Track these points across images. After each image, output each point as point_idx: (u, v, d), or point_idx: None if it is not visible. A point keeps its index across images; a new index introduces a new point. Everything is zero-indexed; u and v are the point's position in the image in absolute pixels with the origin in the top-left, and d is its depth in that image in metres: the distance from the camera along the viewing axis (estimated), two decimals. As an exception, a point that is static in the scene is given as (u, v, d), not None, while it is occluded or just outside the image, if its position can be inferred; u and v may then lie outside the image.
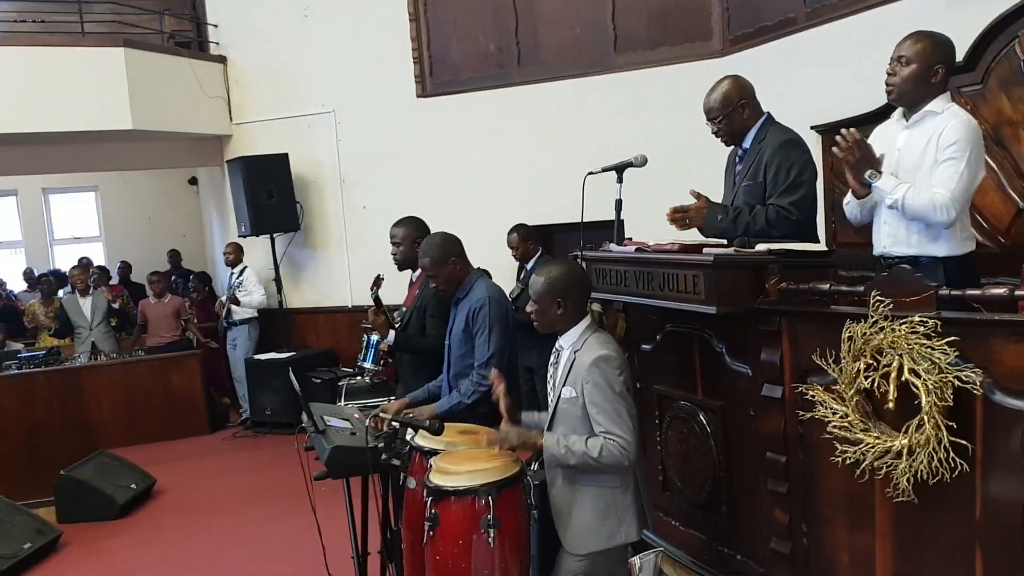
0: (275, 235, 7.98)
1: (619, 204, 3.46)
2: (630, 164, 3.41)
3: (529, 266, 5.97)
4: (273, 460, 6.86)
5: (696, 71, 6.45)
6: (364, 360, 6.33)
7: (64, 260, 11.47)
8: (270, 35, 8.20)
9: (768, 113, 3.42)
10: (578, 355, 2.71)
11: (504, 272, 5.93)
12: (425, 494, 2.77)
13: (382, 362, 6.27)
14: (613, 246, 3.33)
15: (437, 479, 2.65)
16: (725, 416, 3.00)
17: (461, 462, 2.70)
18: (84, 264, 10.37)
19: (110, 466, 6.04)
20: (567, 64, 7.07)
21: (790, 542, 2.74)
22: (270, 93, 8.25)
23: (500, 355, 3.47)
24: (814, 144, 5.13)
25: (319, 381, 7.33)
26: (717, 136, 3.44)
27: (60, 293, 10.02)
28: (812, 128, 5.17)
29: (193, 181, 11.34)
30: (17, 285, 10.93)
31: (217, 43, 8.44)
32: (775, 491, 2.76)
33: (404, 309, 4.35)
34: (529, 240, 6.00)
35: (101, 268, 10.51)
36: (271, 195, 7.74)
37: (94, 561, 5.00)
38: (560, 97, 7.05)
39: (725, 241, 3.13)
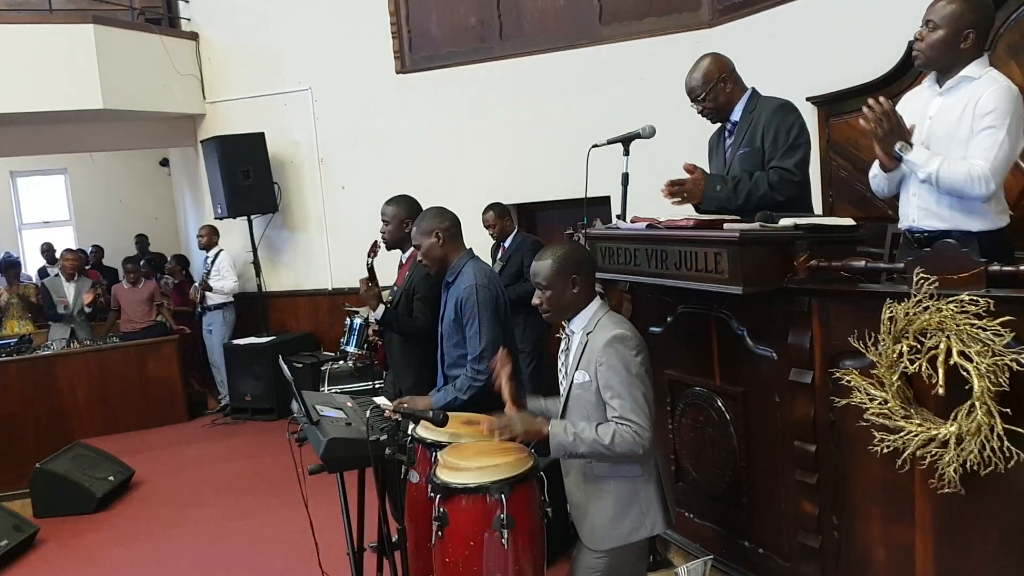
0: (252, 217, 7.71)
1: (626, 178, 3.30)
2: (637, 135, 3.25)
3: (507, 244, 5.81)
4: (255, 448, 6.65)
5: (684, 43, 6.26)
6: (347, 344, 6.16)
7: (33, 245, 11.09)
8: (243, 10, 7.87)
9: (753, 88, 3.36)
10: (591, 337, 2.54)
11: (483, 253, 5.75)
12: (431, 491, 2.59)
13: (366, 344, 6.10)
14: (621, 223, 3.14)
15: (445, 475, 2.46)
16: (746, 402, 2.84)
17: (470, 456, 2.51)
18: (47, 248, 10.10)
19: (87, 458, 5.80)
20: (551, 36, 6.83)
21: (819, 535, 2.59)
22: (244, 70, 7.94)
23: (493, 346, 3.26)
24: (810, 116, 4.98)
25: (301, 366, 7.12)
26: (703, 115, 3.38)
27: (32, 277, 9.75)
28: (808, 100, 5.02)
29: (164, 163, 11.01)
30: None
31: (189, 19, 8.11)
32: (803, 482, 2.61)
33: (395, 289, 4.15)
34: (506, 217, 5.83)
35: (83, 252, 10.18)
36: (247, 175, 7.46)
37: (73, 558, 4.78)
38: (544, 71, 6.81)
39: (738, 217, 2.96)
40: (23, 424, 6.77)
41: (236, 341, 7.55)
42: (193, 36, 8.02)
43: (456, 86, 7.10)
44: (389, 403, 3.73)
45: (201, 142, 7.81)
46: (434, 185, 6.69)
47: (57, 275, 7.89)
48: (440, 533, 2.42)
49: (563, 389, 2.67)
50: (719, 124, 3.47)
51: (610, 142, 3.31)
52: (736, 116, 3.32)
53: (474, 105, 7.05)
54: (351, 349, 6.09)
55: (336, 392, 5.90)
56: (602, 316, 2.57)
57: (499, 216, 5.80)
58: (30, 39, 6.84)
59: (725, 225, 2.64)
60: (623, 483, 2.51)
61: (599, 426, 2.43)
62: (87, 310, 7.80)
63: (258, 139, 7.57)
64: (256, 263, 7.76)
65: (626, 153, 3.29)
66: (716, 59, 3.34)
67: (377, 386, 6.19)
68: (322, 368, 6.93)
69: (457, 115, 7.12)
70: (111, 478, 5.71)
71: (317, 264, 7.91)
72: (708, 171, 3.44)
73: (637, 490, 2.52)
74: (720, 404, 2.95)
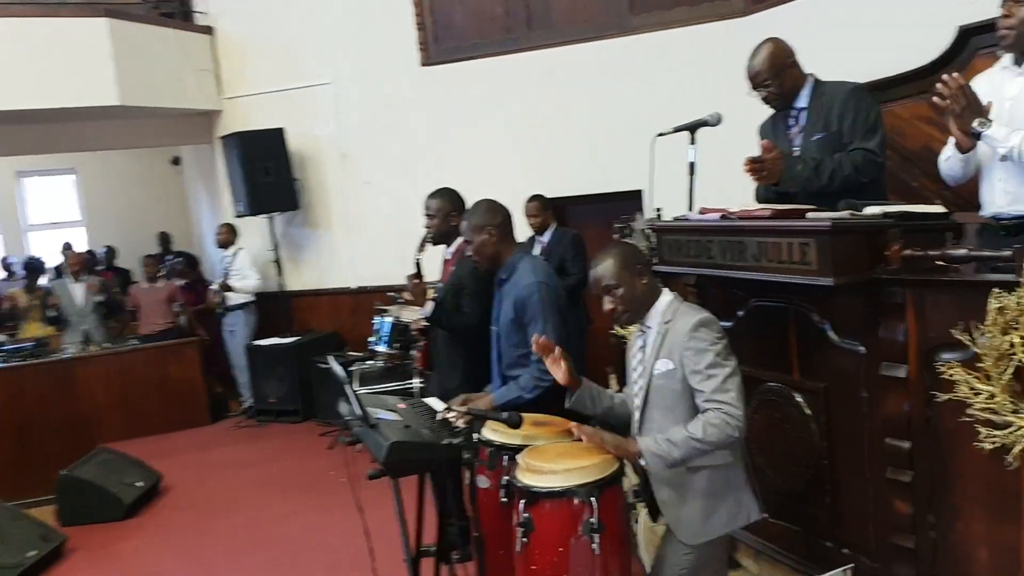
0: (273, 214, 7.58)
1: (692, 167, 3.16)
2: (704, 123, 3.13)
3: (544, 238, 5.65)
4: (281, 450, 6.54)
5: (717, 32, 6.15)
6: (377, 344, 6.02)
7: (41, 246, 10.95)
8: (260, 3, 7.75)
9: (813, 74, 3.25)
10: (670, 325, 2.47)
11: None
12: (504, 495, 2.49)
13: (398, 343, 5.95)
14: (691, 214, 3.02)
15: (528, 479, 2.35)
16: (828, 398, 2.72)
17: (553, 458, 2.39)
18: (68, 247, 9.95)
19: (113, 463, 5.69)
20: (580, 27, 6.69)
21: (914, 535, 2.47)
22: (262, 65, 7.81)
23: (560, 344, 3.17)
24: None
25: (326, 367, 6.98)
26: (766, 101, 3.22)
27: (44, 280, 9.60)
28: (851, 90, 4.89)
29: (176, 161, 10.88)
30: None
31: (204, 12, 7.97)
32: (896, 480, 2.48)
33: (439, 285, 4.02)
34: (549, 210, 5.70)
35: (89, 253, 10.06)
36: (268, 172, 7.34)
37: (106, 568, 4.67)
38: (572, 62, 6.68)
39: (814, 206, 2.84)
40: (42, 429, 6.65)
41: (258, 342, 7.43)
42: (208, 30, 7.89)
43: (482, 78, 6.98)
44: (440, 403, 3.63)
45: (221, 138, 7.68)
46: (460, 180, 6.45)
47: (64, 278, 7.76)
48: (525, 539, 2.30)
49: (638, 388, 2.56)
50: (773, 112, 3.34)
51: (676, 130, 3.19)
52: (802, 102, 3.20)
53: (501, 98, 6.92)
54: (381, 349, 5.95)
55: (367, 393, 5.78)
56: (679, 305, 2.52)
57: (543, 208, 5.65)
58: (42, 33, 6.70)
59: (808, 214, 2.53)
60: (715, 472, 2.43)
61: (687, 425, 2.35)
62: (97, 299, 7.64)
63: (278, 135, 7.45)
64: (277, 261, 7.64)
65: (692, 141, 3.16)
66: (781, 44, 3.21)
67: (410, 386, 6.06)
68: (351, 368, 6.81)
69: (483, 108, 6.99)
70: (139, 484, 5.59)
71: (340, 262, 7.79)
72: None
73: (729, 477, 2.45)
74: (799, 400, 2.83)
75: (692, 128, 3.17)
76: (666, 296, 2.53)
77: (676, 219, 3.09)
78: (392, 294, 6.25)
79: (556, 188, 6.70)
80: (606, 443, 2.42)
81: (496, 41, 6.98)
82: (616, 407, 2.72)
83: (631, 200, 6.32)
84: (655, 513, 2.52)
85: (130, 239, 10.67)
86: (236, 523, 5.09)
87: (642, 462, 2.40)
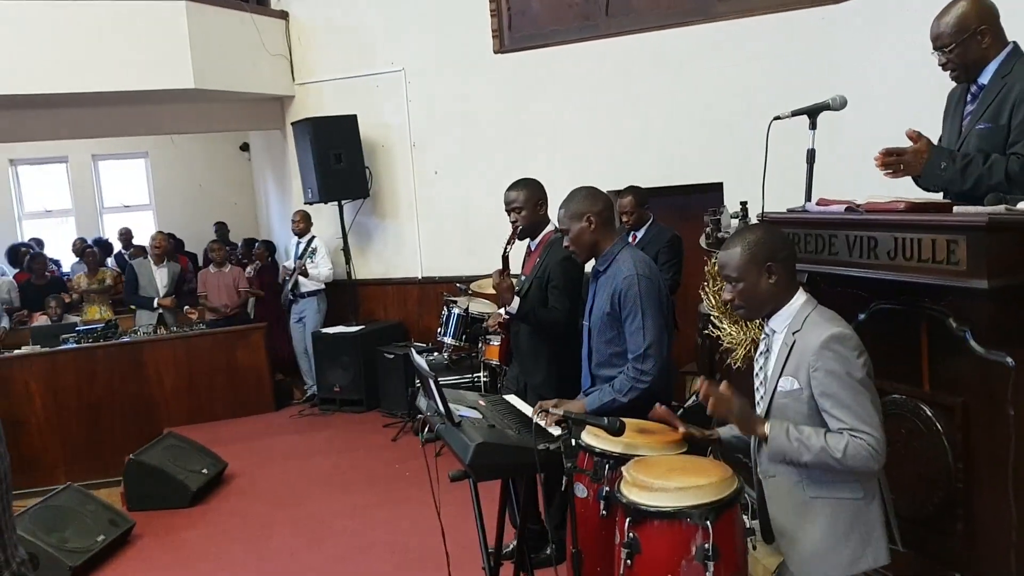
0: (343, 202, 7.48)
1: (811, 155, 2.89)
2: (826, 107, 2.85)
3: (640, 234, 5.36)
4: (347, 442, 6.44)
5: (808, 19, 5.85)
6: (444, 335, 5.86)
7: (113, 229, 11.09)
8: (334, -12, 7.67)
9: (1015, 43, 2.77)
10: (799, 336, 2.20)
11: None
12: (603, 507, 2.27)
13: (464, 335, 5.78)
14: (811, 206, 2.76)
15: (636, 495, 2.13)
16: (966, 415, 2.44)
17: (663, 474, 2.17)
18: (124, 233, 10.08)
19: (180, 449, 5.64)
20: (661, 13, 6.43)
21: (1067, 572, 2.20)
22: (335, 51, 7.72)
23: (659, 343, 2.94)
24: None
25: (392, 356, 6.88)
26: (945, 69, 2.80)
27: (110, 263, 9.71)
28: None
29: (245, 147, 10.90)
30: (67, 255, 10.59)
31: (279, -3, 7.92)
32: (1050, 510, 2.21)
33: (522, 278, 3.83)
34: (645, 205, 5.40)
35: (171, 236, 10.14)
36: (339, 159, 7.24)
37: (171, 556, 4.59)
38: (653, 50, 6.41)
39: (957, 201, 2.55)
40: (110, 411, 6.69)
41: (325, 330, 7.35)
42: (283, 15, 7.82)
43: (558, 66, 6.76)
44: (520, 401, 3.43)
45: (293, 124, 7.60)
46: (532, 171, 6.28)
47: (146, 259, 7.76)
48: (629, 562, 2.09)
49: (760, 396, 2.33)
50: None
51: (795, 113, 2.91)
52: (985, 79, 2.77)
53: (577, 87, 6.70)
54: (448, 340, 5.81)
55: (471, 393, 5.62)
56: (811, 312, 2.24)
57: (638, 203, 5.35)
58: (120, 16, 6.68)
59: (956, 208, 2.26)
60: (841, 505, 2.17)
61: (829, 434, 2.09)
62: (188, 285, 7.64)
63: (350, 121, 7.34)
64: (346, 250, 7.54)
65: (812, 127, 2.89)
66: (977, 3, 2.72)
67: (476, 379, 5.89)
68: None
69: (558, 97, 6.78)
70: (204, 471, 5.53)
71: (407, 252, 7.66)
72: (944, 133, 2.93)
73: (858, 513, 2.18)
74: (929, 415, 2.55)
75: (813, 112, 2.89)
76: (799, 299, 2.26)
77: (791, 211, 2.83)
78: (460, 285, 6.10)
79: (631, 180, 6.46)
80: (732, 409, 2.19)
81: (573, 28, 6.76)
82: None
83: (708, 193, 6.06)
84: (768, 535, 2.29)
85: (196, 224, 10.74)
86: (300, 515, 4.98)
87: (765, 469, 2.17)
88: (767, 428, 2.15)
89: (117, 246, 10.38)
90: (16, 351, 6.69)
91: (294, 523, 4.87)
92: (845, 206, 2.56)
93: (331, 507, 5.06)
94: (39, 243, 10.21)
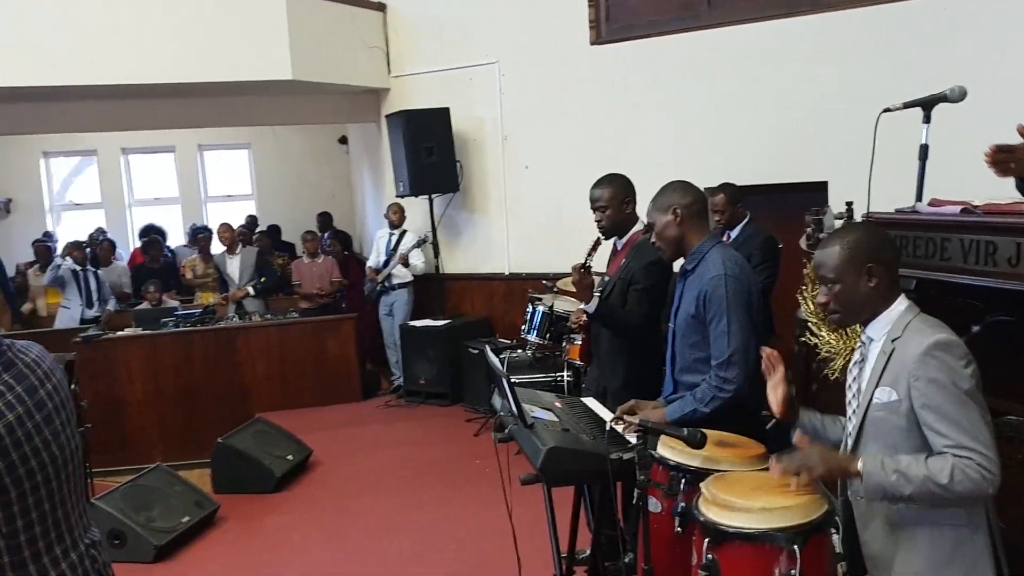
0: (433, 196, 7.47)
1: (924, 151, 2.65)
2: (943, 98, 2.62)
3: (734, 234, 5.13)
4: (429, 434, 6.43)
5: (925, 9, 5.46)
6: (528, 332, 5.77)
7: (217, 218, 11.46)
8: (432, -20, 7.66)
9: None
10: (898, 344, 2.00)
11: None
12: (677, 523, 2.12)
13: (549, 334, 5.67)
14: (922, 206, 2.53)
15: (715, 515, 1.98)
16: (1093, 442, 2.19)
17: (747, 493, 2.01)
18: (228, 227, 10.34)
19: (267, 434, 5.73)
20: (766, 2, 6.14)
21: None
22: (431, 43, 7.70)
23: (745, 351, 2.75)
24: None
25: (476, 352, 6.82)
26: None
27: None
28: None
29: (343, 140, 11.07)
30: (174, 240, 11.01)
31: (376, -11, 7.97)
32: None
33: (606, 278, 3.68)
34: (739, 203, 5.16)
35: (251, 218, 10.41)
36: (431, 152, 7.23)
37: (253, 540, 4.65)
38: (757, 42, 6.12)
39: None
40: (205, 394, 6.86)
41: (412, 323, 7.37)
42: (381, 7, 7.86)
43: (657, 58, 6.55)
44: (598, 405, 3.30)
45: (386, 116, 7.64)
46: (627, 167, 6.12)
47: (223, 252, 7.96)
48: (707, 585, 1.94)
49: (853, 410, 2.13)
50: None
51: (907, 105, 2.69)
52: None
53: (675, 79, 6.48)
54: (532, 338, 5.71)
55: (520, 386, 5.54)
56: (912, 319, 2.04)
57: (731, 200, 5.12)
58: (222, 8, 6.82)
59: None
60: (942, 532, 1.96)
61: (929, 459, 1.88)
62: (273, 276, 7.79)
63: (443, 114, 7.32)
64: (435, 244, 7.53)
65: (927, 120, 2.66)
66: None
67: (559, 379, 5.78)
68: (500, 356, 6.59)
69: (656, 90, 6.57)
70: (290, 457, 5.60)
71: (495, 247, 7.60)
72: None
73: (960, 542, 1.96)
74: (1050, 441, 2.31)
75: (928, 104, 2.65)
76: (900, 305, 2.06)
77: (899, 211, 2.60)
78: (546, 282, 5.99)
79: (730, 177, 6.21)
80: (815, 467, 1.97)
81: (674, 18, 6.54)
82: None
83: (811, 192, 5.76)
84: (857, 569, 2.09)
85: (296, 215, 10.98)
86: (380, 506, 4.98)
87: (856, 490, 1.97)
88: (859, 465, 1.94)
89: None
90: (119, 333, 6.94)
91: (373, 513, 4.87)
92: (961, 207, 2.33)
93: (410, 499, 5.04)
94: (159, 231, 10.57)
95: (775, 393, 2.24)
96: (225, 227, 8.07)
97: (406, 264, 7.34)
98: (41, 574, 1.67)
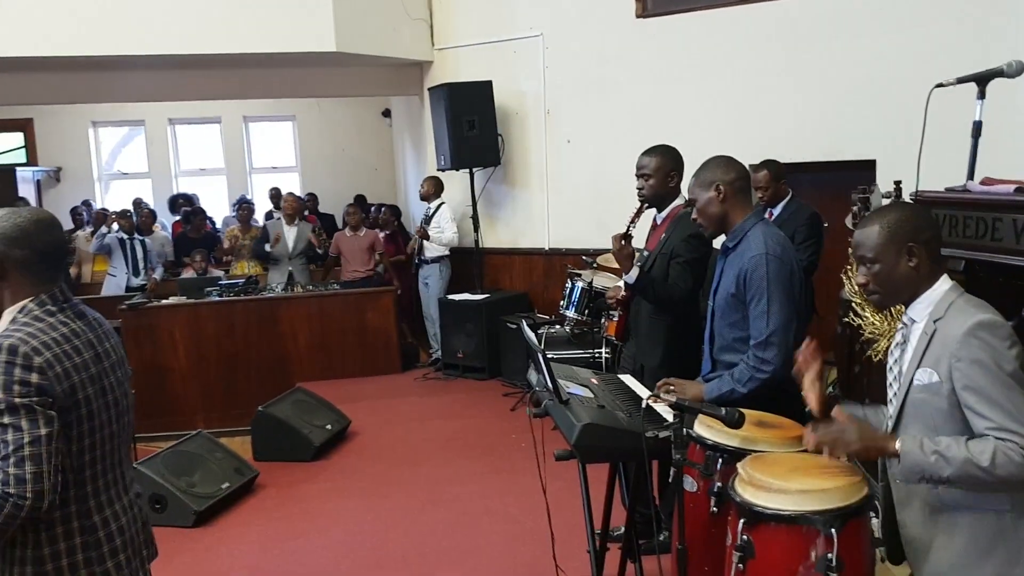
0: (474, 170, 7.46)
1: (977, 128, 2.57)
2: (999, 73, 2.53)
3: (776, 211, 5.04)
4: (467, 407, 6.46)
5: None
6: (567, 308, 5.75)
7: (261, 189, 11.58)
8: (477, -49, 7.59)
9: None
10: (940, 325, 1.95)
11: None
12: (713, 503, 2.10)
13: (587, 310, 5.65)
14: (973, 185, 2.45)
15: (751, 495, 1.95)
16: None
17: (783, 474, 1.98)
18: (275, 193, 10.43)
19: (307, 404, 5.80)
20: (818, -25, 5.99)
21: None
22: (474, 15, 7.66)
23: (785, 331, 2.70)
24: None
25: (514, 327, 6.81)
26: None
27: (260, 221, 10.12)
28: None
29: (387, 113, 11.08)
30: (218, 212, 11.15)
31: (420, -40, 7.93)
32: None
33: (645, 253, 3.64)
34: (782, 180, 5.07)
35: (309, 195, 10.50)
36: (473, 126, 7.21)
37: (291, 508, 4.72)
38: (808, 14, 5.98)
39: None
40: (246, 363, 6.96)
41: (451, 296, 7.39)
42: (425, -21, 7.84)
43: (703, 32, 6.44)
44: (635, 382, 3.28)
45: (429, 89, 7.63)
46: (668, 141, 6.07)
47: (279, 218, 8.03)
48: (742, 566, 1.92)
49: (894, 392, 2.08)
50: None
51: (960, 81, 2.60)
52: None
53: (722, 53, 6.36)
54: (571, 314, 5.69)
55: (556, 361, 5.54)
56: (956, 298, 1.98)
57: (774, 177, 5.01)
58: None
59: None
60: (984, 517, 1.90)
61: (970, 441, 1.83)
62: (316, 252, 7.88)
63: (486, 88, 7.29)
64: (475, 218, 7.53)
65: (981, 96, 2.56)
66: None
67: (597, 355, 5.76)
68: (538, 331, 6.59)
69: (701, 64, 6.46)
70: (328, 427, 5.66)
71: (535, 222, 7.58)
72: None
73: (1003, 528, 1.90)
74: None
75: (982, 79, 2.56)
76: (942, 285, 2.00)
77: (949, 190, 2.52)
78: (586, 258, 5.95)
79: (776, 154, 6.09)
80: (851, 442, 1.94)
81: (722, -10, 6.40)
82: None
83: (858, 170, 5.63)
84: (896, 555, 2.06)
85: (338, 188, 11.05)
86: (417, 477, 5.02)
87: (894, 471, 1.93)
88: (898, 444, 1.90)
89: (268, 204, 10.80)
90: (163, 301, 7.06)
91: (409, 484, 4.92)
92: (1015, 186, 2.26)
93: (445, 471, 5.08)
94: (189, 199, 10.74)
95: (813, 389, 2.19)
96: (293, 197, 8.14)
97: (426, 237, 7.35)
98: (98, 509, 1.88)
